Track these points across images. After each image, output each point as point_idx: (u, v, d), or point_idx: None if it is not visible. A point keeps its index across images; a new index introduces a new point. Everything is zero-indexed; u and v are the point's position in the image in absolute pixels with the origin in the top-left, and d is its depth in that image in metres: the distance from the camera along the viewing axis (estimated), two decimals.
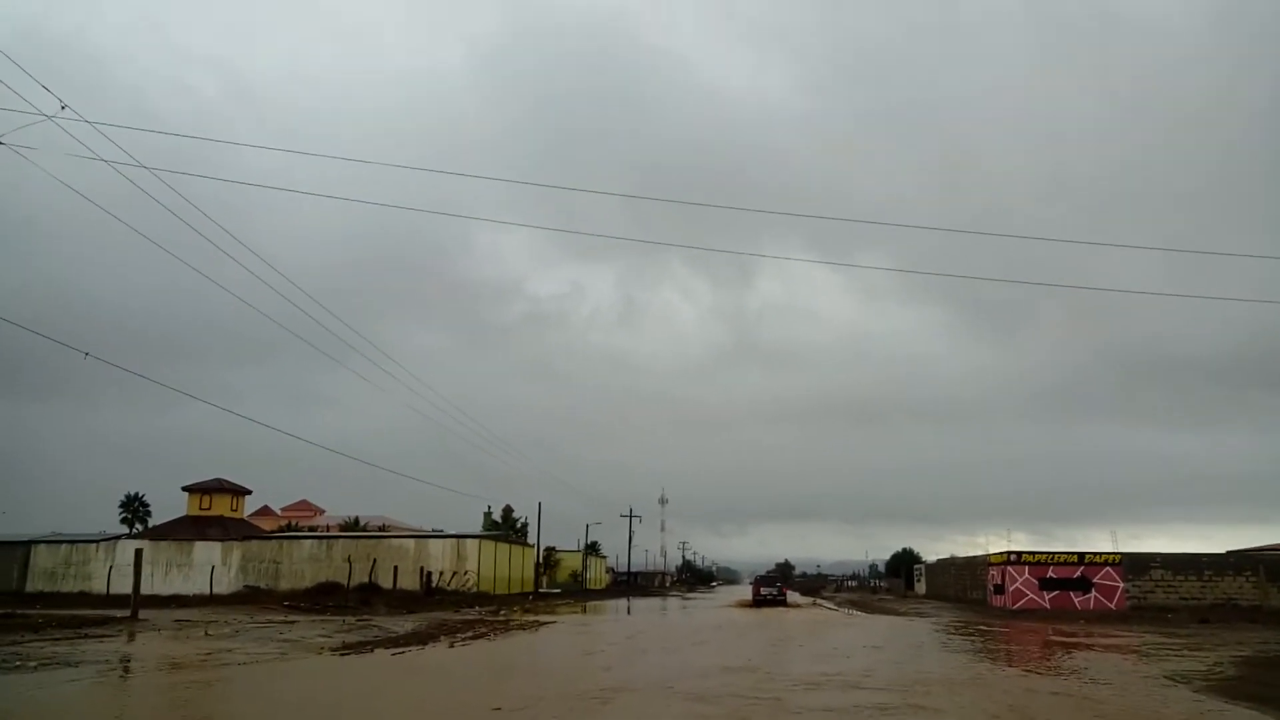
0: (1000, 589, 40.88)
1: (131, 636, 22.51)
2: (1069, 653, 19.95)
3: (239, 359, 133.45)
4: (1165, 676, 14.62)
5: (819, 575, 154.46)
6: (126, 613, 29.66)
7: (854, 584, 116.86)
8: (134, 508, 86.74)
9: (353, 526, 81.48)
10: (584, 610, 43.57)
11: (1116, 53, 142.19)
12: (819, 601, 65.32)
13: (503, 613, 35.26)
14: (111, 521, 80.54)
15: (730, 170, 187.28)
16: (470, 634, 23.64)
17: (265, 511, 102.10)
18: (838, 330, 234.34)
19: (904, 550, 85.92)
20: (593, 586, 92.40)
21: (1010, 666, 17.06)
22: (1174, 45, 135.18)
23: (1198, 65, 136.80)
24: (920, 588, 64.70)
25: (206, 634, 22.91)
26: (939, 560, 60.76)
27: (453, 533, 60.39)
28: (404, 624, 27.81)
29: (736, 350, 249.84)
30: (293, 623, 28.62)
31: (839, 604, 57.44)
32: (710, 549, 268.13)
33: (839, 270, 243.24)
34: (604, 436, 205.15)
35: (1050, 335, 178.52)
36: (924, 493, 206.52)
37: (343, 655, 17.64)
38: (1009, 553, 40.24)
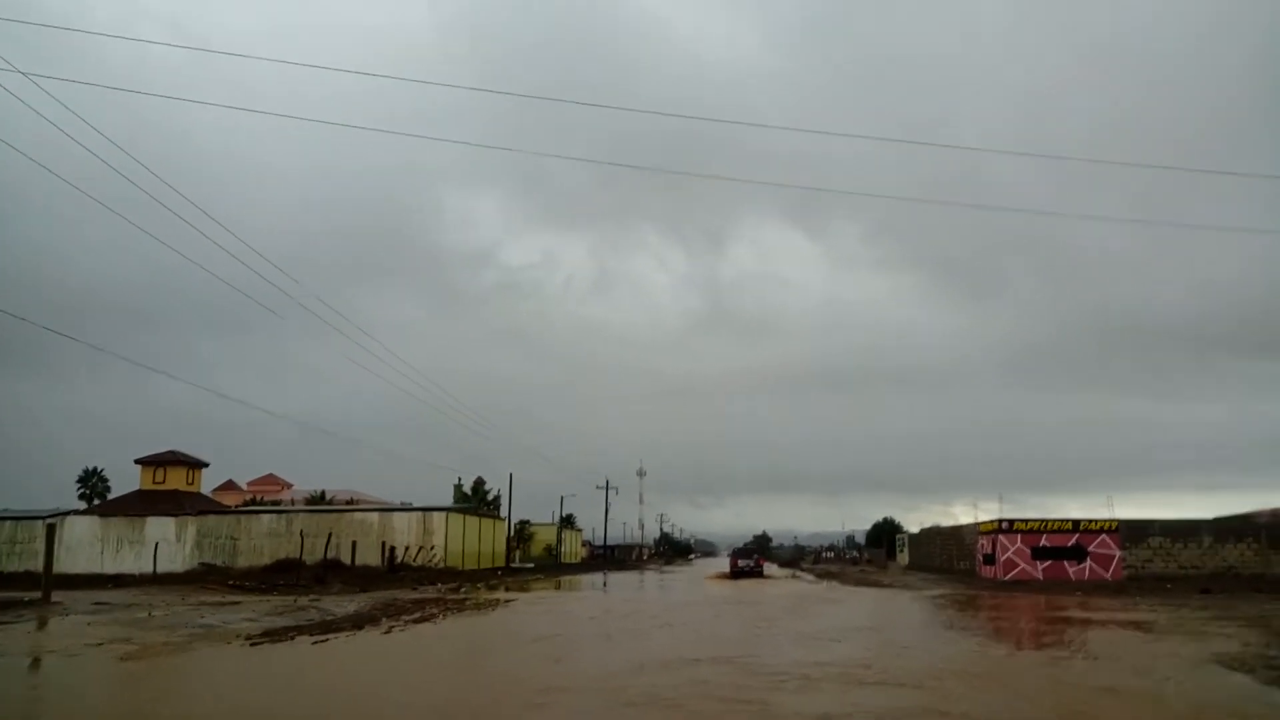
0: (991, 559, 38.93)
1: (43, 623, 19.88)
2: (1083, 630, 17.79)
3: (210, 331, 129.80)
4: (1214, 661, 12.37)
5: (796, 547, 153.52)
6: (46, 594, 26.92)
7: (831, 555, 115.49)
8: (92, 483, 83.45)
9: (319, 501, 78.72)
10: (554, 586, 41.25)
11: (1092, 10, 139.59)
12: (798, 574, 63.41)
13: (463, 590, 32.87)
14: (70, 498, 77.42)
15: (704, 133, 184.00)
16: (416, 615, 21.18)
17: (230, 486, 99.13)
18: (812, 298, 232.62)
19: (884, 520, 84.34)
20: (568, 561, 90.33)
21: (1028, 650, 14.81)
22: (1150, 2, 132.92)
23: (1174, 23, 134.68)
24: (903, 558, 62.95)
25: (117, 620, 20.29)
26: (923, 530, 58.97)
27: (419, 506, 57.95)
28: (350, 604, 25.30)
29: (711, 319, 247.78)
30: (232, 604, 26.04)
31: (819, 576, 55.49)
32: (688, 521, 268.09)
33: (813, 236, 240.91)
34: (580, 407, 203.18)
35: (1023, 301, 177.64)
36: (899, 462, 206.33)
37: (254, 645, 15.09)
38: (1000, 520, 38.24)
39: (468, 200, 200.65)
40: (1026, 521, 37.74)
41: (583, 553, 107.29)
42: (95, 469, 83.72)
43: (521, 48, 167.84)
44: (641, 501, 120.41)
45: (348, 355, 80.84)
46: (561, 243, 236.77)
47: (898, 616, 22.08)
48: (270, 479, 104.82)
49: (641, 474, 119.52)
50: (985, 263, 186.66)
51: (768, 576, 55.46)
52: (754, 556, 56.19)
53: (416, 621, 19.84)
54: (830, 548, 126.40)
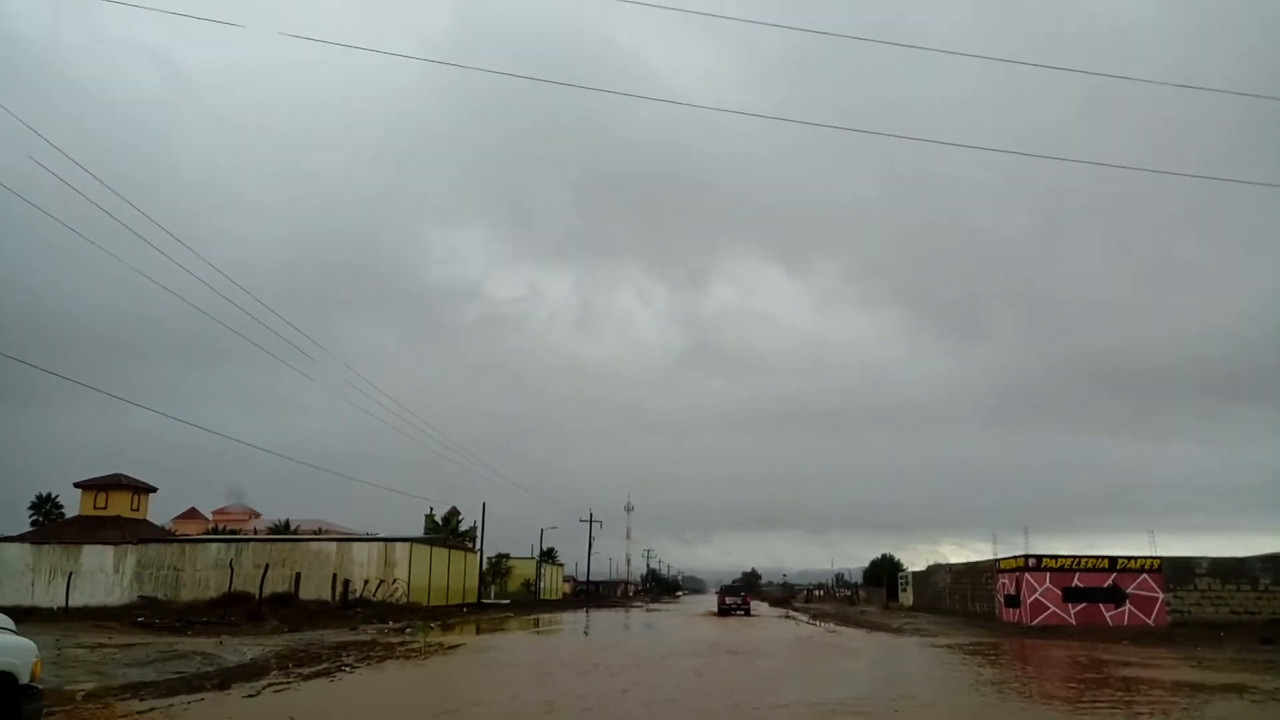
0: (1015, 600, 34.42)
1: None
2: (1191, 700, 13.43)
3: (189, 361, 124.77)
4: None
5: (785, 585, 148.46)
6: None
7: (820, 594, 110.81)
8: (45, 509, 78.15)
9: (282, 530, 73.79)
10: (520, 626, 36.50)
11: (1078, 57, 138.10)
12: (791, 614, 58.67)
13: (409, 630, 28.22)
14: (22, 524, 72.31)
15: (686, 172, 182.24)
16: (321, 667, 16.64)
17: (193, 515, 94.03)
18: (796, 336, 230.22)
19: (883, 557, 79.44)
20: (548, 597, 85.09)
21: None
22: (1138, 48, 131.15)
23: (1161, 69, 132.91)
24: (906, 598, 58.19)
25: None
26: (930, 567, 54.26)
27: (382, 536, 53.20)
28: (256, 649, 20.68)
29: (696, 356, 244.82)
30: (123, 646, 21.35)
31: (815, 617, 50.79)
32: (676, 558, 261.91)
33: (795, 275, 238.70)
34: (564, 442, 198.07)
35: (1007, 342, 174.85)
36: (886, 501, 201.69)
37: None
38: (1026, 557, 33.79)
39: (451, 234, 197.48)
40: (1057, 559, 33.31)
41: (565, 589, 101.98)
42: (49, 495, 78.57)
43: (498, 86, 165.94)
44: (629, 537, 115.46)
45: (327, 386, 77.19)
46: (545, 277, 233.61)
47: (928, 674, 17.64)
48: (237, 507, 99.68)
49: (629, 509, 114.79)
50: (969, 304, 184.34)
51: (757, 615, 54.11)
52: (741, 595, 57.60)
53: (316, 675, 15.34)
54: (819, 586, 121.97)
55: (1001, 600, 36.33)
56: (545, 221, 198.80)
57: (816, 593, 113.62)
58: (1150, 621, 31.97)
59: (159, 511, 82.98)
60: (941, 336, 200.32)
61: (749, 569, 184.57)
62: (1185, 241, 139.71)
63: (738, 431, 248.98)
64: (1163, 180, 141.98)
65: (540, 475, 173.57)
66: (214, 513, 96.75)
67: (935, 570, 51.28)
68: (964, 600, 42.32)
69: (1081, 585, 32.72)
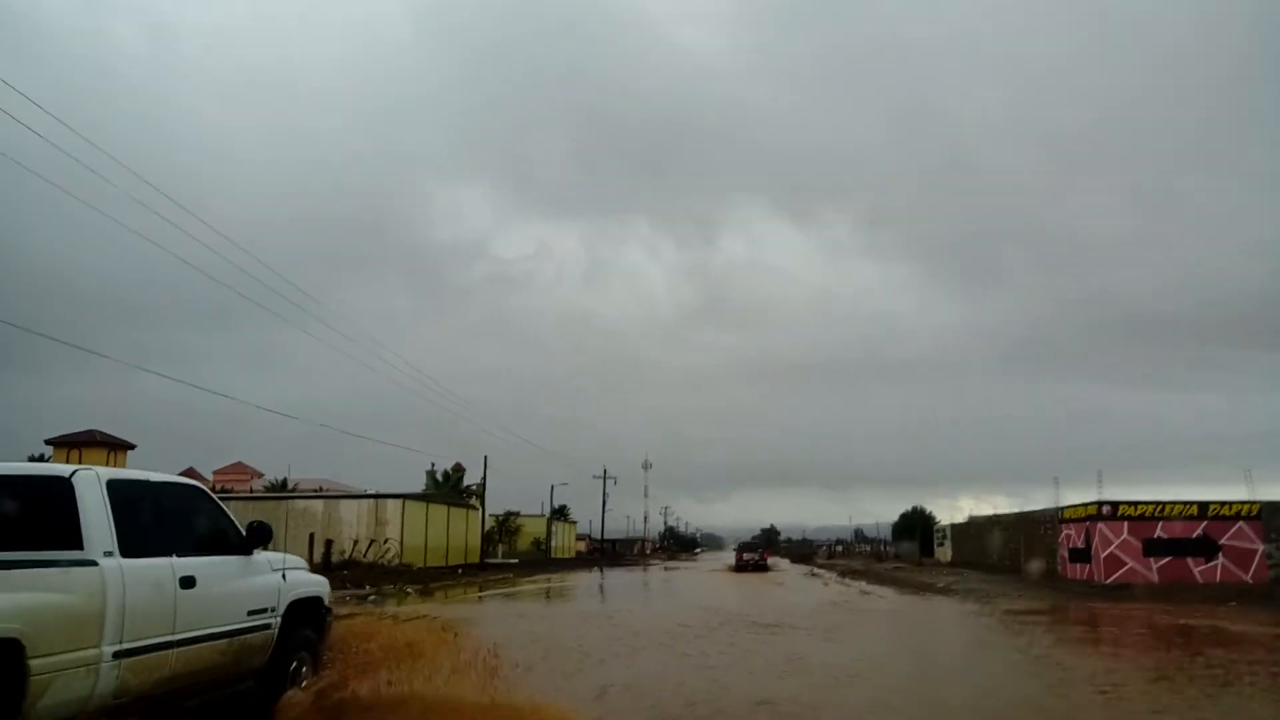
0: (1083, 554, 29.69)
1: None
2: None
3: (192, 323, 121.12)
4: None
5: (804, 540, 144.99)
6: None
7: (840, 549, 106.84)
8: None
9: (280, 488, 70.05)
10: (510, 590, 32.17)
11: None
12: (816, 571, 54.28)
13: (371, 599, 23.90)
14: None
15: (690, 122, 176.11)
16: None
17: (190, 475, 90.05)
18: (806, 289, 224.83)
19: (914, 510, 74.79)
20: (560, 555, 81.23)
21: None
22: None
23: (1169, 7, 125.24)
24: (943, 553, 53.58)
25: None
26: (972, 519, 49.48)
27: (372, 492, 49.15)
28: None
29: (706, 311, 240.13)
30: None
31: (843, 575, 46.34)
32: (694, 515, 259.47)
33: (803, 227, 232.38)
34: (577, 401, 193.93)
35: (1019, 288, 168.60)
36: (902, 456, 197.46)
37: None
38: (1100, 503, 28.95)
39: (455, 192, 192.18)
40: (1135, 505, 28.45)
41: (580, 547, 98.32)
42: (41, 456, 75.31)
43: (496, 40, 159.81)
44: (646, 494, 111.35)
45: (333, 347, 73.72)
46: (551, 234, 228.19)
47: (1026, 654, 12.96)
48: (238, 467, 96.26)
49: (647, 466, 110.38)
50: (980, 250, 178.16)
51: (781, 572, 53.51)
52: (759, 551, 59.92)
53: None
54: (839, 541, 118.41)
55: (1065, 555, 31.59)
56: (549, 177, 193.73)
57: (836, 548, 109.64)
58: (1248, 577, 27.19)
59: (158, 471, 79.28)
60: (953, 285, 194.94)
61: (767, 525, 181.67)
62: (1195, 180, 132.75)
63: (751, 387, 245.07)
64: (1174, 116, 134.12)
65: (553, 434, 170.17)
66: (214, 472, 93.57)
67: (981, 522, 46.49)
68: (1016, 555, 37.63)
69: (1165, 536, 27.91)
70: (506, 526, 76.52)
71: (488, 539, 66.78)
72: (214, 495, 7.45)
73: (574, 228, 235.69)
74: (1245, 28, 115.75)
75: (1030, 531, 36.27)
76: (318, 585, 8.31)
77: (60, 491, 5.63)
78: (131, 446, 53.94)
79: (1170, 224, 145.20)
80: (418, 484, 63.21)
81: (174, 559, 6.18)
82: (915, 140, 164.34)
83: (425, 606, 22.26)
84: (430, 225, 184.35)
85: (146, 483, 6.52)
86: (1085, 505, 30.06)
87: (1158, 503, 28.37)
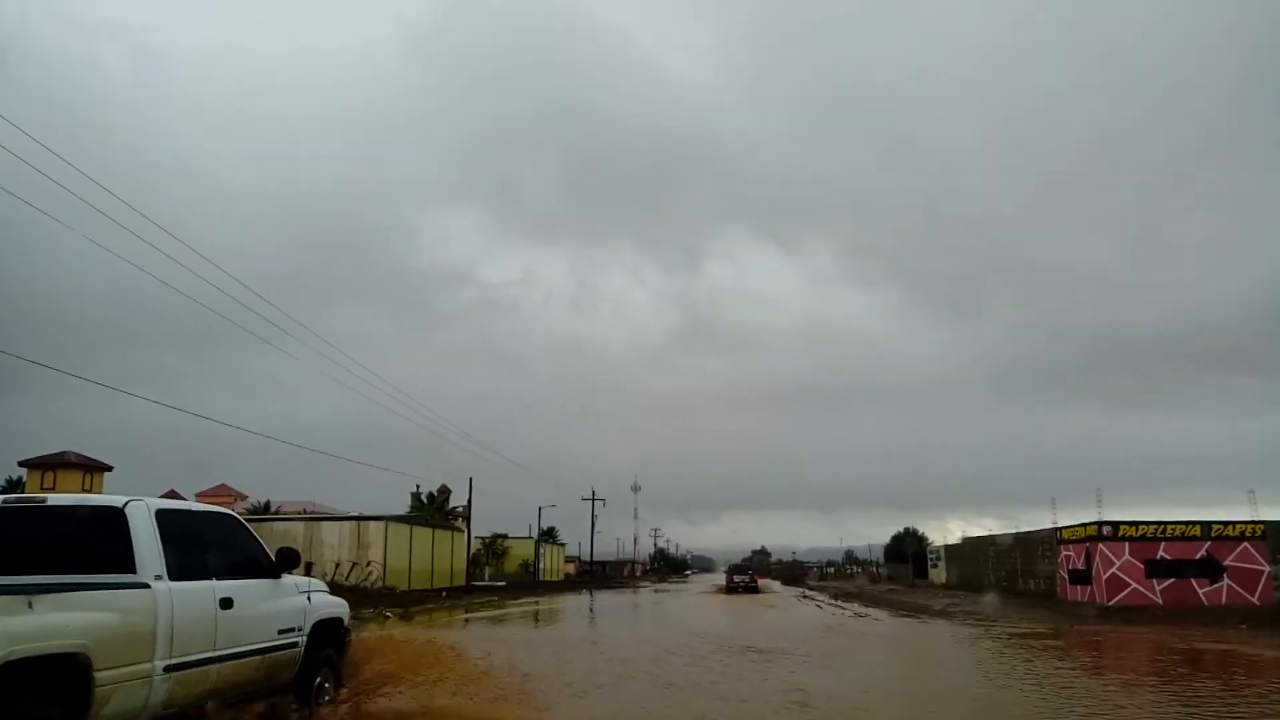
0: (1083, 576, 28.89)
1: None
2: None
3: (176, 346, 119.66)
4: None
5: (795, 562, 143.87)
6: None
7: (832, 571, 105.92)
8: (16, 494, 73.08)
9: (261, 511, 68.67)
10: (493, 614, 31.12)
11: (1074, 26, 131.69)
12: (809, 594, 53.20)
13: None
14: None
15: (675, 151, 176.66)
16: None
17: (171, 496, 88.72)
18: (792, 316, 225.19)
19: (906, 531, 73.82)
20: (548, 578, 79.85)
21: None
22: (1137, 20, 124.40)
23: (1158, 42, 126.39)
24: (937, 575, 52.67)
25: None
26: (966, 540, 48.59)
27: (354, 514, 48.01)
28: None
29: (693, 336, 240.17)
30: None
31: (836, 597, 45.32)
32: (684, 537, 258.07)
33: (789, 254, 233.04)
34: (565, 426, 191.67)
35: (1006, 317, 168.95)
36: (891, 479, 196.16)
37: None
38: (1100, 523, 28.22)
39: (442, 218, 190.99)
40: (1137, 525, 27.71)
41: (568, 569, 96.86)
42: (17, 480, 73.64)
43: (485, 68, 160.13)
44: (636, 517, 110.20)
45: (320, 371, 72.98)
46: (538, 260, 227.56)
47: (1042, 684, 12.09)
48: (222, 489, 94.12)
49: (636, 489, 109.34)
50: (966, 280, 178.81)
51: (774, 594, 53.17)
52: (749, 573, 60.23)
53: None
54: (830, 563, 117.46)
55: (1065, 576, 30.77)
56: (536, 203, 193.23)
57: (828, 570, 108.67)
58: (1254, 599, 26.42)
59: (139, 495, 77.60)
60: (939, 314, 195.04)
61: (758, 547, 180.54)
62: (1182, 214, 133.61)
63: (739, 412, 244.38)
64: (1160, 150, 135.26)
65: (540, 457, 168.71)
66: (197, 495, 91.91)
67: (975, 544, 45.63)
68: (1013, 576, 36.80)
69: (1168, 557, 27.19)
70: (493, 549, 75.16)
71: (474, 561, 65.51)
72: (246, 524, 7.84)
73: (561, 254, 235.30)
74: (1233, 62, 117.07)
75: (1028, 553, 35.46)
76: (339, 607, 8.81)
77: (115, 520, 6.08)
78: (108, 468, 52.60)
79: (1157, 256, 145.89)
80: (403, 506, 61.97)
81: (215, 582, 6.62)
82: (901, 170, 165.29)
83: (403, 632, 21.21)
84: (417, 251, 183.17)
85: (189, 512, 7.08)
86: (1085, 525, 29.32)
87: (1159, 523, 27.65)
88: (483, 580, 63.87)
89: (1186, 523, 27.54)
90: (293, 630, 7.60)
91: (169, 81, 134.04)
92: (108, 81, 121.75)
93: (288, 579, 7.75)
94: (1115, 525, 27.87)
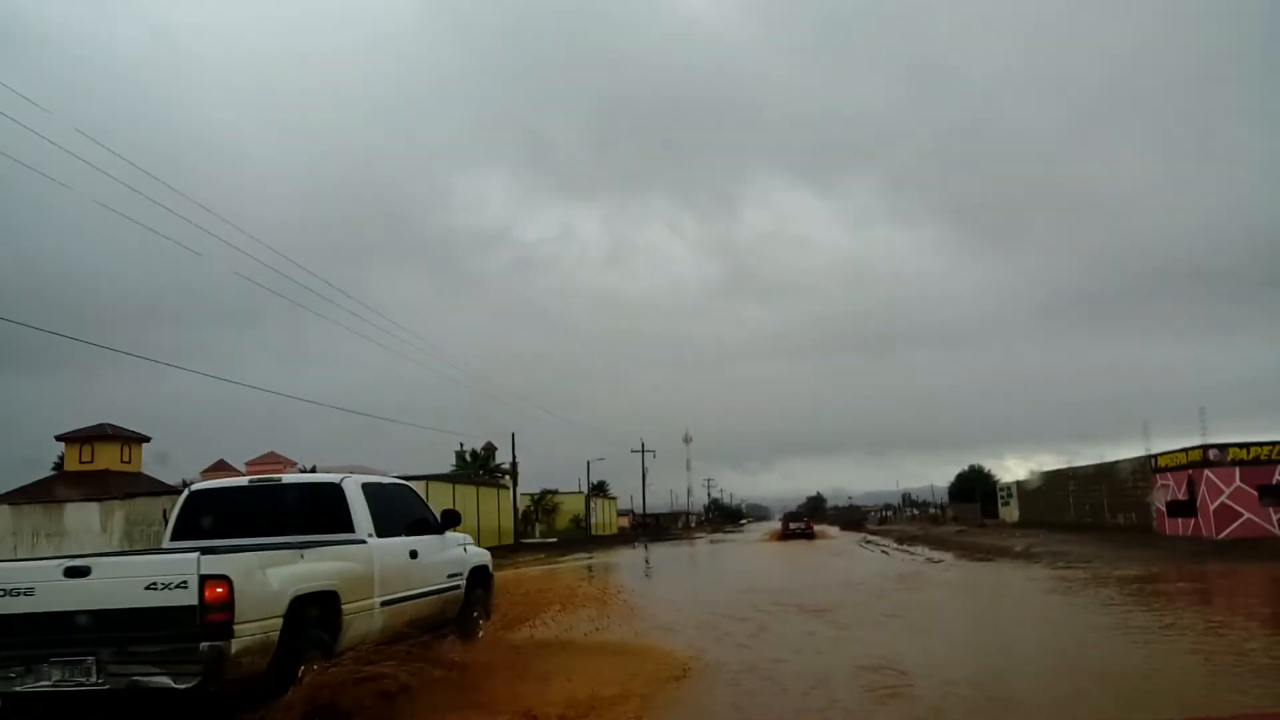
0: (1185, 508, 25.92)
1: None
2: None
3: (223, 322, 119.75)
4: None
5: (851, 507, 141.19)
6: None
7: (890, 515, 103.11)
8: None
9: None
10: (544, 569, 29.12)
11: None
12: (870, 538, 50.70)
13: None
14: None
15: (705, 95, 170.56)
16: None
17: (221, 466, 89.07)
18: (833, 258, 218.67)
19: (972, 469, 70.56)
20: (601, 532, 78.48)
21: None
22: None
23: None
24: (1009, 513, 49.71)
25: None
26: (1042, 474, 45.41)
27: (395, 475, 46.54)
28: None
29: (733, 285, 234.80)
30: None
31: (901, 541, 42.73)
32: (738, 486, 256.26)
33: (825, 195, 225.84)
34: (610, 380, 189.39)
35: (1047, 246, 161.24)
36: (944, 419, 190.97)
37: None
38: (1206, 447, 25.11)
39: (474, 179, 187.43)
40: (1247, 448, 24.57)
41: (621, 523, 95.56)
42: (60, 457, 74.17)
43: (504, 22, 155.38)
44: (689, 468, 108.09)
45: (363, 337, 72.24)
46: (573, 215, 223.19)
47: (1223, 645, 9.43)
48: (272, 456, 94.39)
49: (688, 440, 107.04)
50: (1006, 208, 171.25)
51: (833, 539, 54.24)
52: (804, 520, 61.53)
53: None
54: (887, 506, 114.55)
55: (1162, 508, 27.76)
56: (566, 158, 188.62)
57: (886, 514, 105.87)
58: None
59: (189, 466, 77.96)
60: (981, 246, 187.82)
61: (813, 493, 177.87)
62: (1224, 122, 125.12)
63: (785, 359, 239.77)
64: (1196, 64, 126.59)
65: (588, 413, 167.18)
66: (247, 463, 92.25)
67: (1053, 477, 42.46)
68: (1096, 511, 33.82)
69: None
70: (543, 505, 73.79)
71: (525, 518, 64.15)
72: (417, 492, 9.65)
73: (595, 208, 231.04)
74: None
75: (1114, 485, 32.39)
76: (486, 557, 10.28)
77: (334, 492, 7.64)
78: (146, 439, 52.13)
79: (1201, 169, 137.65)
80: (447, 466, 60.67)
81: (405, 538, 8.07)
82: (931, 101, 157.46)
83: None
84: (451, 213, 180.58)
85: (381, 484, 8.53)
86: (1186, 450, 26.21)
87: (1274, 443, 24.47)
88: (533, 537, 62.52)
89: None
90: (458, 575, 9.14)
91: (189, 56, 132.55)
92: (126, 59, 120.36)
93: (450, 535, 9.22)
94: (1223, 448, 24.75)
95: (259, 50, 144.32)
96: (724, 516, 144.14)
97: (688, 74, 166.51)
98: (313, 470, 69.56)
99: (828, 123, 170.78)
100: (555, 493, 77.55)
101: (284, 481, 8.26)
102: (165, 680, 5.57)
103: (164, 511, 37.13)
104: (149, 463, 52.44)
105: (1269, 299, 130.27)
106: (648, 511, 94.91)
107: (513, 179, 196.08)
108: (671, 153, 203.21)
